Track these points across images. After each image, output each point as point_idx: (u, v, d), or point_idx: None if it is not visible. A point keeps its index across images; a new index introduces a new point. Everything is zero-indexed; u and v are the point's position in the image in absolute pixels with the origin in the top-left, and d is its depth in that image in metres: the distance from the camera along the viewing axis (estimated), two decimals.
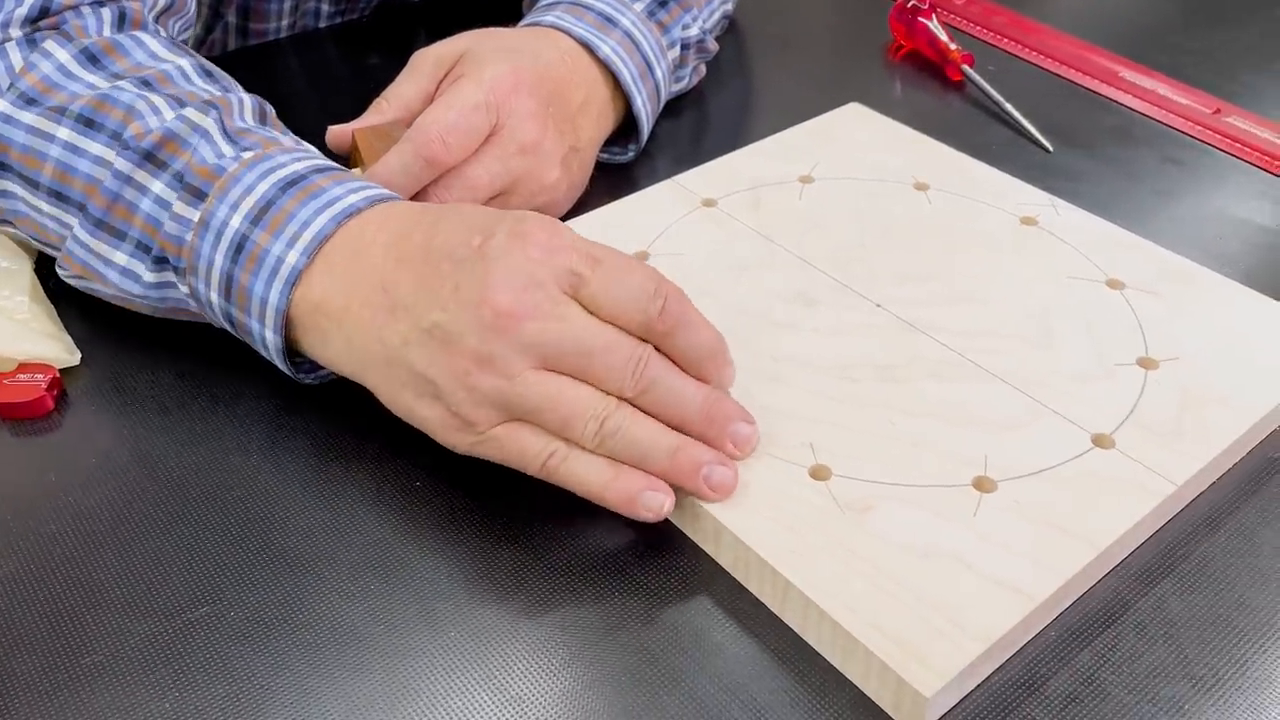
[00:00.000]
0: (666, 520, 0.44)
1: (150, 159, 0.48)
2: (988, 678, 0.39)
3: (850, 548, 0.41)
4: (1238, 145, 0.68)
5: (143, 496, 0.46)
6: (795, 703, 0.38)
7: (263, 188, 0.46)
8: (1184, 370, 0.49)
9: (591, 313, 0.42)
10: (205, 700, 0.38)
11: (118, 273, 0.49)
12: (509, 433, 0.42)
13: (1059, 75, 0.76)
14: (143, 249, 0.48)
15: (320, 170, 0.47)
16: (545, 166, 0.56)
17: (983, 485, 0.43)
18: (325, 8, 0.81)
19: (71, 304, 0.53)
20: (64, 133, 0.49)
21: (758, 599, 0.42)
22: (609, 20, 0.61)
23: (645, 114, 0.63)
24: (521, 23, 0.63)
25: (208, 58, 0.77)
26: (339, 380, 0.47)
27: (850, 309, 0.52)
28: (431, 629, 0.41)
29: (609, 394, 0.42)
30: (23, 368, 0.50)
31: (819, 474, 0.44)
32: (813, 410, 0.47)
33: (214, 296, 0.47)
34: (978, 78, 0.73)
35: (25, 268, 0.54)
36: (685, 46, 0.67)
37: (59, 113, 0.50)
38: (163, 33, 0.57)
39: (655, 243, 0.57)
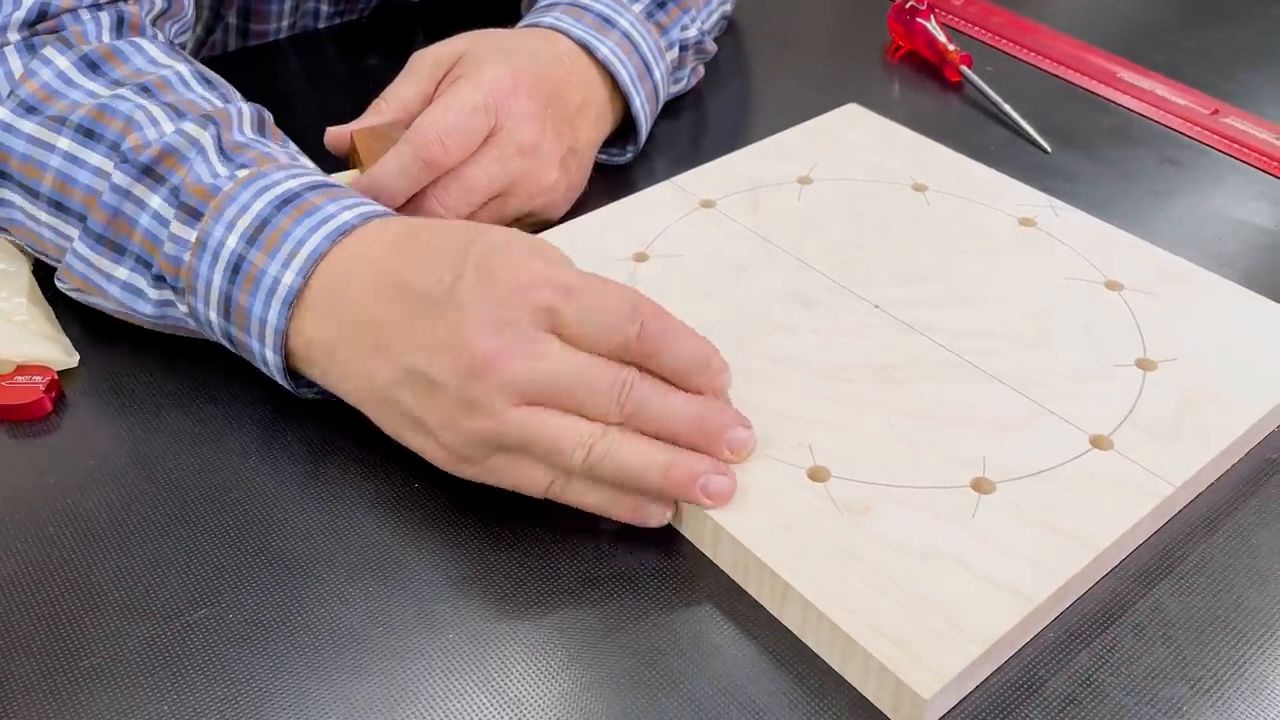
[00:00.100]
0: (666, 522, 0.45)
1: (149, 173, 0.48)
2: (986, 679, 0.39)
3: (849, 549, 0.41)
4: (1236, 146, 0.68)
5: (141, 498, 0.46)
6: (794, 704, 0.38)
7: (258, 206, 0.46)
8: (1182, 371, 0.49)
9: (572, 342, 0.42)
10: (204, 703, 0.38)
11: (119, 287, 0.49)
12: (507, 464, 0.42)
13: (1057, 76, 0.76)
14: (143, 264, 0.49)
15: (314, 187, 0.47)
16: (544, 168, 0.56)
17: (981, 486, 0.43)
18: (324, 8, 0.81)
19: (70, 306, 0.53)
20: (64, 143, 0.49)
21: (756, 601, 0.42)
22: (607, 21, 0.61)
23: (644, 115, 0.63)
24: (520, 24, 0.63)
25: (208, 59, 0.77)
26: None
27: (848, 310, 0.52)
28: (430, 631, 0.41)
29: (596, 420, 0.42)
30: (21, 370, 0.50)
31: (817, 475, 0.44)
32: (811, 411, 0.47)
33: (213, 316, 0.47)
34: (976, 78, 0.73)
35: (23, 270, 0.54)
36: (684, 48, 0.67)
37: (59, 122, 0.50)
38: (161, 37, 0.57)
39: (653, 244, 0.57)
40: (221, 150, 0.49)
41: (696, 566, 0.43)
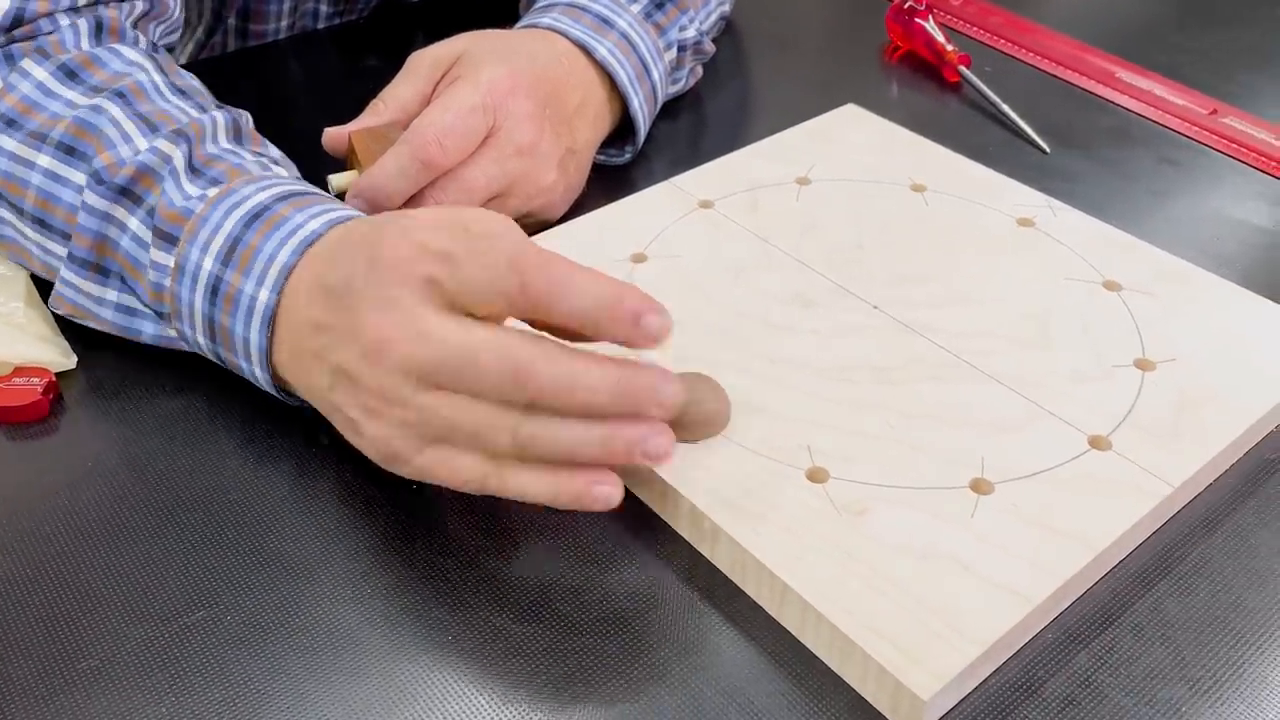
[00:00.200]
0: (664, 523, 0.45)
1: (126, 194, 0.48)
2: (985, 680, 0.39)
3: (847, 550, 0.41)
4: (1234, 146, 0.68)
5: (138, 500, 0.46)
6: (793, 706, 0.38)
7: (229, 225, 0.46)
8: (1181, 371, 0.49)
9: (465, 312, 0.40)
10: (202, 704, 0.38)
11: (111, 310, 0.50)
12: (439, 457, 0.40)
13: (1055, 76, 0.76)
14: (130, 288, 0.49)
15: (284, 198, 0.46)
16: (542, 168, 0.56)
17: (980, 487, 0.43)
18: (324, 9, 0.81)
19: None
20: (45, 160, 0.50)
21: (755, 602, 0.42)
22: (606, 22, 0.61)
23: (642, 115, 0.63)
24: (518, 24, 0.63)
25: (208, 60, 0.77)
26: None
27: (847, 311, 0.52)
28: (428, 633, 0.41)
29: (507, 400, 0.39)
30: (19, 371, 0.50)
31: (816, 476, 0.44)
32: (810, 412, 0.47)
33: (201, 339, 0.47)
34: (974, 79, 0.73)
35: (21, 273, 0.54)
36: (682, 48, 0.67)
37: (40, 139, 0.50)
38: (142, 40, 0.57)
39: (652, 245, 0.57)
40: (191, 167, 0.48)
41: (695, 567, 0.43)
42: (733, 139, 0.67)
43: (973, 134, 0.69)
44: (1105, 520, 0.42)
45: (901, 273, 0.55)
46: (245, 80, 0.75)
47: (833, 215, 0.59)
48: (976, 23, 0.82)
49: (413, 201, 0.53)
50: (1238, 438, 0.46)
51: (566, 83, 0.59)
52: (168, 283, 0.47)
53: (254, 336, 0.45)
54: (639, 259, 0.56)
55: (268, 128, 0.56)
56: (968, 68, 0.74)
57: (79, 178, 0.49)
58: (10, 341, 0.50)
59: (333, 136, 0.57)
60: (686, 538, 0.44)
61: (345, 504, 0.45)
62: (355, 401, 0.41)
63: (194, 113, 0.51)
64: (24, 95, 0.51)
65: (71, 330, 0.53)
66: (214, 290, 0.45)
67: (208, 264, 0.46)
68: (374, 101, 0.57)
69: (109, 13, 0.55)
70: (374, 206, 0.52)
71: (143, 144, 0.49)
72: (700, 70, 0.72)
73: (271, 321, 0.44)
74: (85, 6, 0.55)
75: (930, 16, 0.77)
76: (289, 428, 0.48)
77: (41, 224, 0.50)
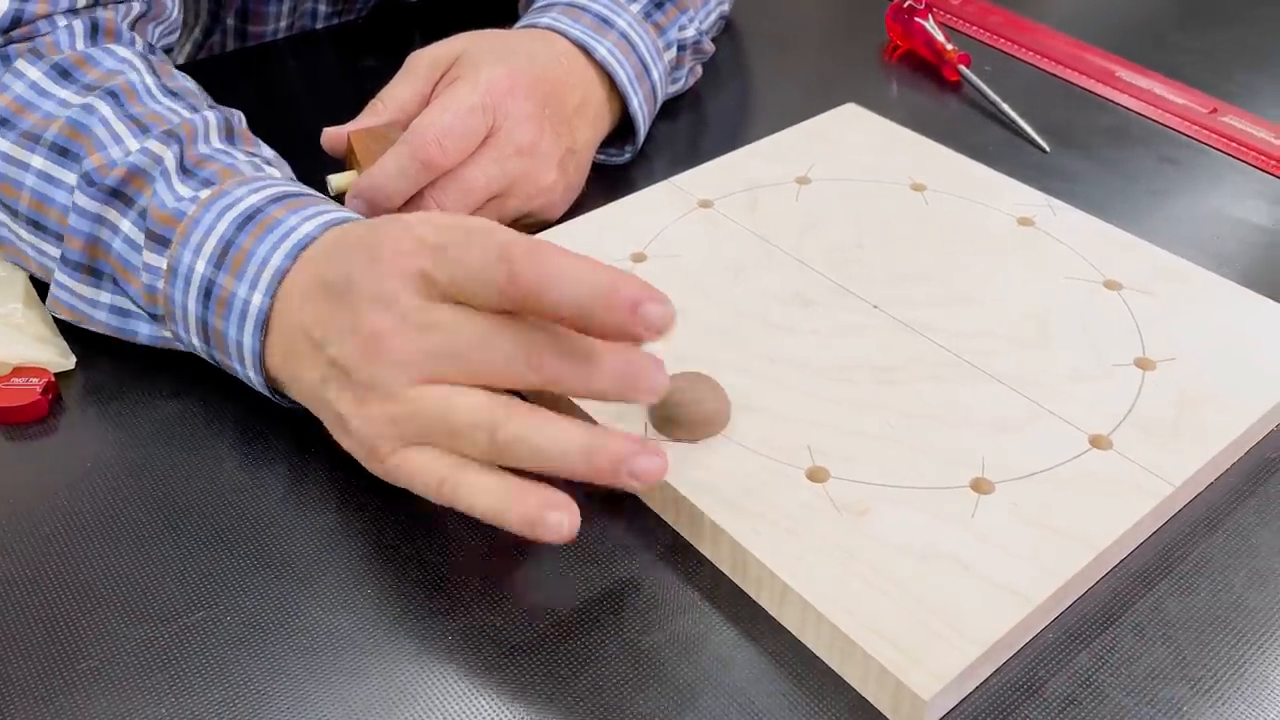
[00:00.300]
0: (664, 522, 0.44)
1: (118, 195, 0.48)
2: (986, 680, 0.39)
3: (848, 550, 0.41)
4: (1234, 145, 0.68)
5: (137, 500, 0.46)
6: (794, 706, 0.38)
7: (221, 227, 0.46)
8: (1181, 371, 0.48)
9: (458, 303, 0.40)
10: (202, 705, 0.38)
11: (105, 312, 0.50)
12: (404, 459, 0.40)
13: (1055, 75, 0.76)
14: (122, 290, 0.49)
15: (277, 199, 0.46)
16: (542, 168, 0.56)
17: (980, 487, 0.43)
18: (322, 9, 0.81)
19: None
20: (38, 161, 0.49)
21: (756, 602, 0.42)
22: (605, 22, 0.61)
23: (642, 115, 0.63)
24: (517, 24, 0.63)
25: (207, 60, 0.77)
26: None
27: (848, 310, 0.52)
28: (428, 634, 0.41)
29: (509, 392, 0.39)
30: (18, 372, 0.50)
31: (816, 476, 0.44)
32: (810, 412, 0.47)
33: (196, 341, 0.47)
34: (974, 78, 0.73)
35: (19, 274, 0.54)
36: (682, 48, 0.67)
37: (34, 140, 0.50)
38: (138, 41, 0.57)
39: (651, 244, 0.56)
40: (183, 168, 0.48)
41: (695, 567, 0.43)
42: (732, 138, 0.67)
43: (973, 133, 0.69)
44: (1106, 520, 0.42)
45: (901, 272, 0.55)
46: (243, 80, 0.75)
47: (832, 215, 0.59)
48: (976, 22, 0.82)
49: (412, 202, 0.53)
50: (1238, 437, 0.46)
51: (566, 82, 0.59)
52: (161, 285, 0.47)
53: (247, 340, 0.45)
54: (639, 258, 0.56)
55: (266, 128, 0.56)
56: (967, 67, 0.74)
57: (72, 179, 0.49)
58: (9, 342, 0.50)
59: (332, 137, 0.57)
60: (686, 537, 0.44)
61: (343, 504, 0.45)
62: (346, 395, 0.41)
63: (185, 113, 0.51)
64: (17, 95, 0.51)
65: (70, 331, 0.53)
66: (207, 293, 0.45)
67: (200, 267, 0.45)
68: (373, 102, 0.57)
69: (105, 14, 0.55)
70: (374, 207, 0.52)
71: (133, 145, 0.49)
72: (700, 70, 0.72)
73: (265, 325, 0.44)
74: (83, 8, 0.55)
75: (930, 16, 0.77)
76: (286, 430, 0.48)
77: (36, 225, 0.50)
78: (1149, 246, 0.56)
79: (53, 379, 0.50)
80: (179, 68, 0.59)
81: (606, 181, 0.63)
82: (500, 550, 0.43)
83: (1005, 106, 0.70)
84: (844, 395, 0.47)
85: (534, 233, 0.57)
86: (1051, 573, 0.40)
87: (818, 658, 0.40)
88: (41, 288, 0.54)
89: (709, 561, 0.43)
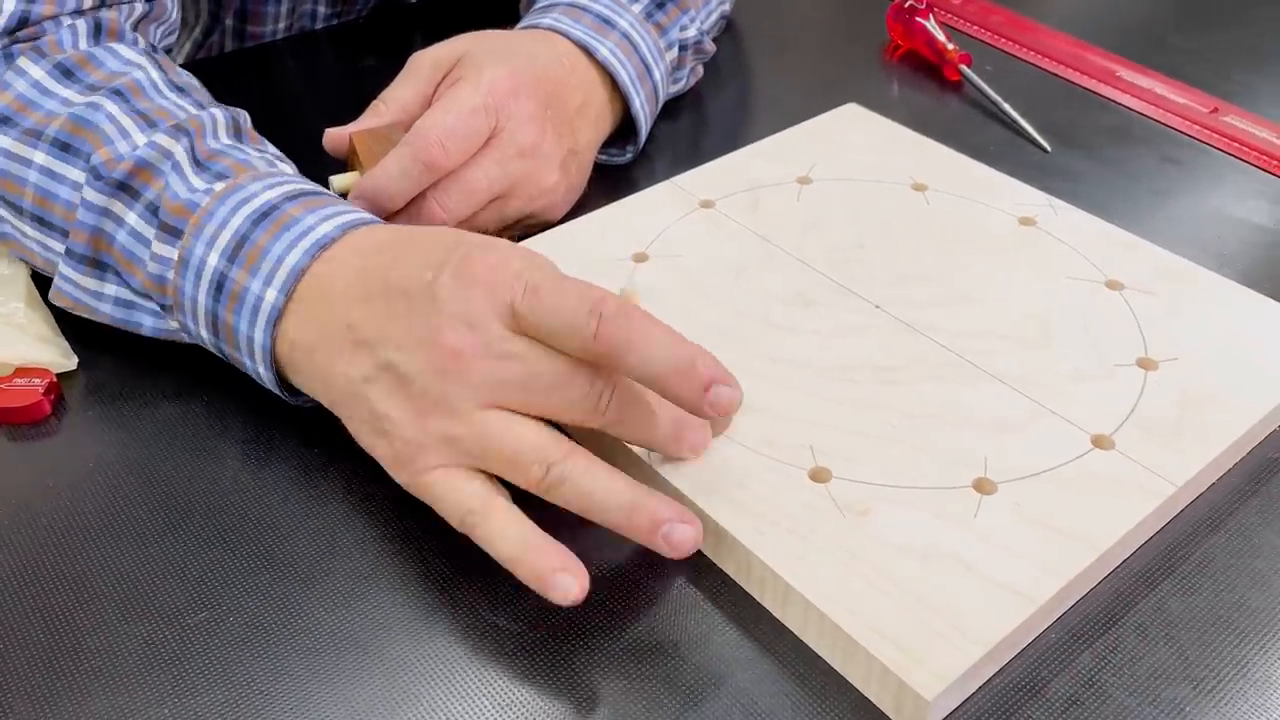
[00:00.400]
0: None
1: (124, 189, 0.48)
2: (989, 680, 0.39)
3: (850, 550, 0.41)
4: (1236, 145, 0.68)
5: (140, 501, 0.46)
6: (796, 706, 0.38)
7: (236, 222, 0.46)
8: (1183, 371, 0.48)
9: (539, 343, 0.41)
10: (205, 705, 0.38)
11: (110, 304, 0.50)
12: (442, 478, 0.41)
13: (1056, 75, 0.76)
14: (125, 282, 0.49)
15: (293, 197, 0.46)
16: (544, 169, 0.56)
17: (983, 487, 0.43)
18: (322, 9, 0.81)
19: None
20: (41, 157, 0.49)
21: (759, 602, 0.42)
22: (607, 22, 0.61)
23: (643, 115, 0.63)
24: (519, 25, 0.63)
25: (206, 60, 0.77)
26: None
27: (849, 310, 0.52)
28: (431, 635, 0.41)
29: (575, 425, 0.41)
30: (20, 372, 0.50)
31: (819, 476, 0.44)
32: (812, 412, 0.47)
33: (204, 333, 0.47)
34: (975, 78, 0.73)
35: (21, 273, 0.54)
36: (683, 48, 0.67)
37: (35, 136, 0.50)
38: (141, 42, 0.57)
39: (653, 244, 0.56)
40: (196, 160, 0.48)
41: (698, 568, 0.43)
42: (733, 138, 0.67)
43: (974, 133, 0.69)
44: (1108, 520, 0.42)
45: (903, 272, 0.55)
46: (243, 81, 0.75)
47: (834, 215, 0.59)
48: (977, 21, 0.82)
49: (414, 203, 0.53)
50: (1241, 437, 0.46)
51: (568, 83, 0.59)
52: (170, 275, 0.47)
53: (258, 335, 0.45)
54: (640, 258, 0.56)
55: (266, 128, 0.56)
56: (969, 67, 0.74)
57: (76, 174, 0.49)
58: (11, 342, 0.50)
59: (334, 137, 0.57)
60: None
61: (346, 505, 0.45)
62: (395, 402, 0.41)
63: (192, 109, 0.51)
64: (19, 93, 0.51)
65: (72, 331, 0.53)
66: (219, 287, 0.45)
67: (213, 259, 0.46)
68: (375, 102, 0.57)
69: (109, 15, 0.55)
70: (376, 208, 0.52)
71: (141, 139, 0.49)
72: (701, 70, 0.72)
73: (277, 321, 0.44)
74: (88, 10, 0.55)
75: (931, 15, 0.77)
76: (290, 430, 0.48)
77: (41, 221, 0.50)
78: (1151, 246, 0.56)
79: (55, 379, 0.50)
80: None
81: (608, 182, 0.63)
82: None
83: (1006, 106, 0.70)
84: (846, 395, 0.47)
85: (536, 233, 0.57)
86: (1054, 573, 0.40)
87: (820, 658, 0.40)
88: (43, 287, 0.54)
89: (712, 562, 0.43)
